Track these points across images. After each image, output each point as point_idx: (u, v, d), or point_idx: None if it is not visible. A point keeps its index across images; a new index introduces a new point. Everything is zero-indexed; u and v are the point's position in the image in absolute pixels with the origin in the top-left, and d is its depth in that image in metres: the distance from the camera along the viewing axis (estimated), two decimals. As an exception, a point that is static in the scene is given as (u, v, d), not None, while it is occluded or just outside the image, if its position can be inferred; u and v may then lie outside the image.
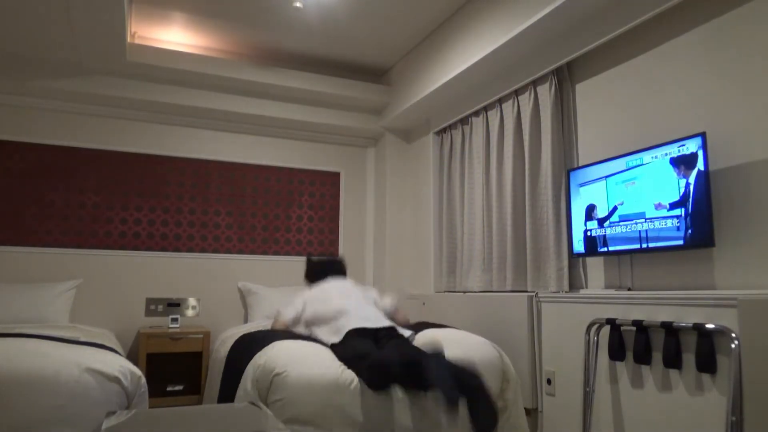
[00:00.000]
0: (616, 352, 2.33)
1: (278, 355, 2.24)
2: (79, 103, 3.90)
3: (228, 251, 4.26)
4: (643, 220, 2.39)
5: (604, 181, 2.61)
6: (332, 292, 2.91)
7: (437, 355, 2.16)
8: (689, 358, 2.07)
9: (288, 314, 2.93)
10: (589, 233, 2.67)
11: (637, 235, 2.42)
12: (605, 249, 2.57)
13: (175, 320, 3.85)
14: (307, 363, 2.21)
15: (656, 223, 2.34)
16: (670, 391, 2.13)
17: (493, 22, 3.13)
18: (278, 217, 4.46)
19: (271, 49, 4.14)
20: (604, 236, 2.58)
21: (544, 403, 2.78)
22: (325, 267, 3.23)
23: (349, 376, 2.22)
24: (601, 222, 2.61)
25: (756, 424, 1.80)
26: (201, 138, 4.28)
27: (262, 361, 2.25)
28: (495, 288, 3.36)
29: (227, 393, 2.47)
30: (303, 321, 2.88)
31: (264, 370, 2.19)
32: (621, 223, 2.50)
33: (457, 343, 2.58)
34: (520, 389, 2.61)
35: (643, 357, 2.21)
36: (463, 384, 2.03)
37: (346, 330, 2.57)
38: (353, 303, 2.79)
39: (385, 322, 2.69)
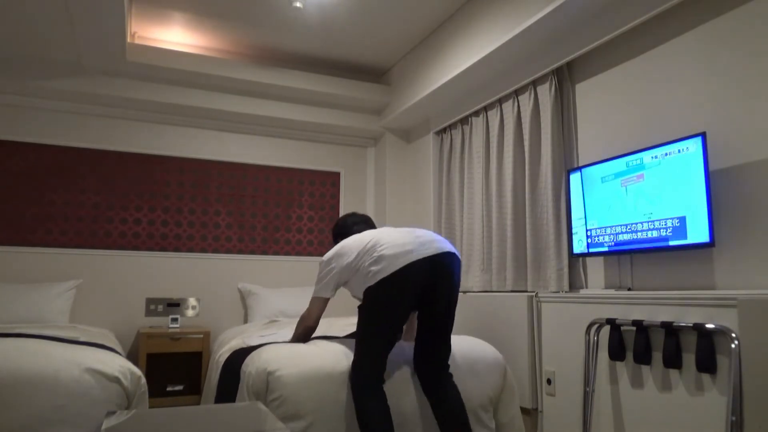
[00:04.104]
0: (616, 352, 2.33)
1: (269, 356, 2.24)
2: (79, 103, 3.90)
3: (228, 251, 4.26)
4: (643, 220, 2.39)
5: (605, 182, 2.61)
6: (378, 234, 2.37)
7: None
8: (689, 358, 2.07)
9: (323, 292, 2.40)
10: (589, 233, 2.67)
11: (637, 235, 2.42)
12: (605, 249, 2.57)
13: (175, 320, 3.85)
14: (300, 359, 2.21)
15: (656, 223, 2.34)
16: (670, 391, 2.13)
17: (493, 22, 3.13)
18: (278, 217, 4.46)
19: (271, 49, 4.14)
20: (604, 236, 2.58)
21: (544, 403, 2.78)
22: (357, 220, 2.69)
23: (342, 367, 2.23)
24: (600, 222, 2.61)
25: (756, 424, 1.80)
26: (201, 138, 4.28)
27: (253, 365, 2.25)
28: (495, 288, 3.36)
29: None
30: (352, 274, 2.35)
31: (258, 372, 2.19)
32: (621, 224, 2.50)
33: (460, 345, 2.58)
34: (517, 393, 2.62)
35: (643, 357, 2.21)
36: None
37: (416, 257, 2.17)
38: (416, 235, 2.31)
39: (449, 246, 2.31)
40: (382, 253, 2.19)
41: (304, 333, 2.49)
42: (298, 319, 2.62)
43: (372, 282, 2.17)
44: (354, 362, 2.19)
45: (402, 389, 2.29)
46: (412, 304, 2.21)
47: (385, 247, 2.21)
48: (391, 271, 2.15)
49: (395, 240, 2.24)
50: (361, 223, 2.67)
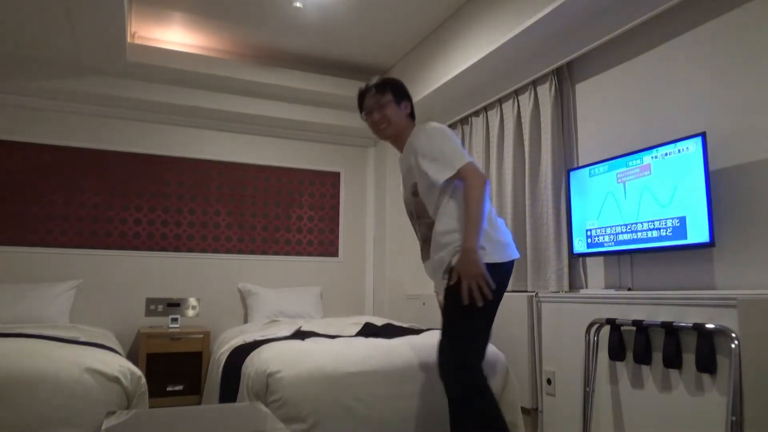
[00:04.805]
0: (616, 352, 2.33)
1: (269, 356, 2.23)
2: (79, 103, 3.90)
3: (228, 251, 4.26)
4: (643, 221, 2.39)
5: (604, 181, 2.61)
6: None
7: None
8: (689, 358, 2.06)
9: (466, 156, 2.01)
10: (588, 233, 2.67)
11: (637, 235, 2.42)
12: (605, 249, 2.57)
13: (175, 320, 3.85)
14: (299, 360, 2.21)
15: (656, 223, 2.34)
16: (670, 391, 2.13)
17: (493, 22, 3.13)
18: (278, 217, 4.46)
19: (271, 49, 4.14)
20: (604, 236, 2.58)
21: (544, 403, 2.78)
22: None
23: (342, 367, 2.22)
24: (600, 222, 2.61)
25: (756, 424, 1.80)
26: (201, 138, 4.28)
27: (253, 366, 2.24)
28: (495, 288, 3.35)
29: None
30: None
31: (257, 373, 2.18)
32: (620, 224, 2.50)
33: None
34: (518, 392, 2.62)
35: (643, 357, 2.21)
36: None
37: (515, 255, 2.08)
38: None
39: None
40: (502, 227, 2.05)
41: (481, 205, 1.94)
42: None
43: (495, 259, 1.94)
44: (467, 356, 1.95)
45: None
46: None
47: (501, 222, 2.08)
48: (510, 258, 2.01)
49: (502, 223, 2.10)
50: None
